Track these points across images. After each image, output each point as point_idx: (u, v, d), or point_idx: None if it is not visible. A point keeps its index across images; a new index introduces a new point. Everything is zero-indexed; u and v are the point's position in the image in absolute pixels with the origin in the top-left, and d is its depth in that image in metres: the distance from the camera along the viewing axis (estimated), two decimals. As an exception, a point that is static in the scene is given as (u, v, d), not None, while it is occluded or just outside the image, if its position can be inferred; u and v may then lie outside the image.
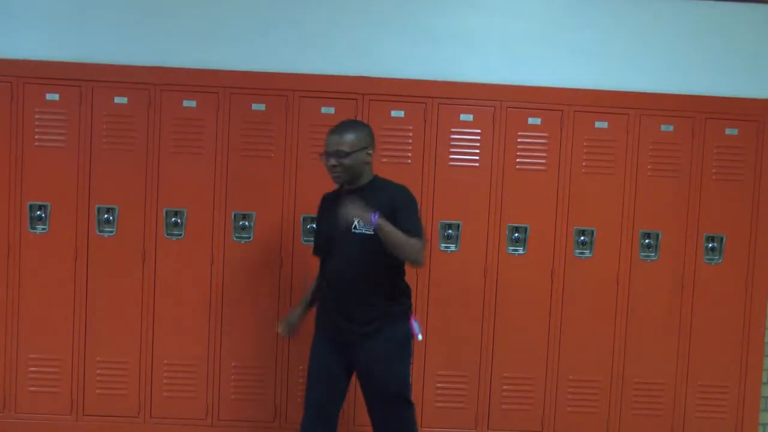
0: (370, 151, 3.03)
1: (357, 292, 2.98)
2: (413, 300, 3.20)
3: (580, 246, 3.98)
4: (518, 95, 3.95)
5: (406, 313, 3.08)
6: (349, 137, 2.96)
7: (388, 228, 2.82)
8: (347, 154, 2.94)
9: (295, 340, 3.91)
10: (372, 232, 2.87)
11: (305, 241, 3.88)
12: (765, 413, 4.11)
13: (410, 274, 3.86)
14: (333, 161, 2.96)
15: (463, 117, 3.95)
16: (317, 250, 3.19)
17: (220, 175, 3.88)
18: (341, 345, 3.03)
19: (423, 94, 3.92)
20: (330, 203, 3.10)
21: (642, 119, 3.98)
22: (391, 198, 2.96)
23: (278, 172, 3.89)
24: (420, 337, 3.10)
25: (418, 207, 3.07)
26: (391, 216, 2.88)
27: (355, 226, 2.93)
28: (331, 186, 3.04)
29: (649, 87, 4.01)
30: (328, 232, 3.06)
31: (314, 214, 3.29)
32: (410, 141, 3.93)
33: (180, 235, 3.89)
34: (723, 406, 4.06)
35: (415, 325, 3.07)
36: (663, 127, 3.99)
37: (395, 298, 3.06)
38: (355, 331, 2.98)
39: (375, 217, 2.80)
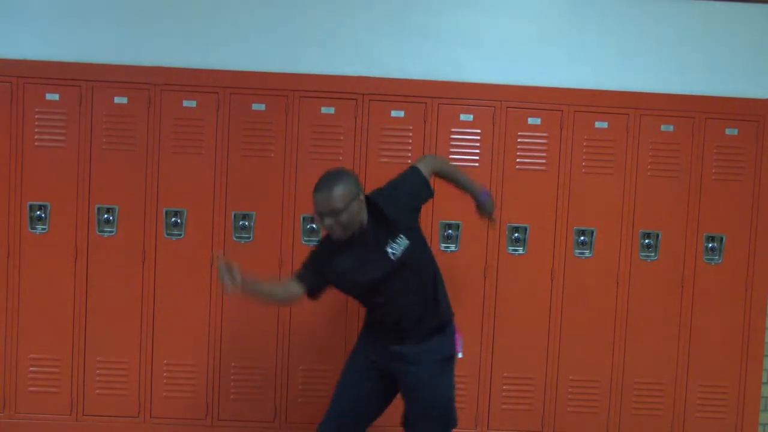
0: (362, 197, 2.80)
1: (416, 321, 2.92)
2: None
3: (580, 246, 3.98)
4: (518, 95, 3.95)
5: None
6: (339, 192, 2.70)
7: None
8: (342, 211, 2.70)
9: (295, 342, 3.93)
10: (408, 241, 2.83)
11: (305, 241, 3.88)
12: (765, 413, 4.11)
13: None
14: (329, 221, 2.72)
15: (463, 117, 3.95)
16: (316, 291, 2.92)
17: (220, 175, 3.89)
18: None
19: (423, 94, 3.92)
20: (342, 247, 2.84)
21: (642, 119, 3.98)
22: (394, 205, 2.86)
23: (278, 172, 3.89)
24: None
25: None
26: (413, 203, 2.93)
27: (393, 253, 2.81)
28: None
29: (649, 87, 4.01)
30: (357, 281, 2.86)
31: (314, 214, 3.26)
32: (410, 141, 3.93)
33: (180, 235, 3.89)
34: (723, 406, 4.06)
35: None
36: (663, 127, 3.99)
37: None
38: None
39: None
